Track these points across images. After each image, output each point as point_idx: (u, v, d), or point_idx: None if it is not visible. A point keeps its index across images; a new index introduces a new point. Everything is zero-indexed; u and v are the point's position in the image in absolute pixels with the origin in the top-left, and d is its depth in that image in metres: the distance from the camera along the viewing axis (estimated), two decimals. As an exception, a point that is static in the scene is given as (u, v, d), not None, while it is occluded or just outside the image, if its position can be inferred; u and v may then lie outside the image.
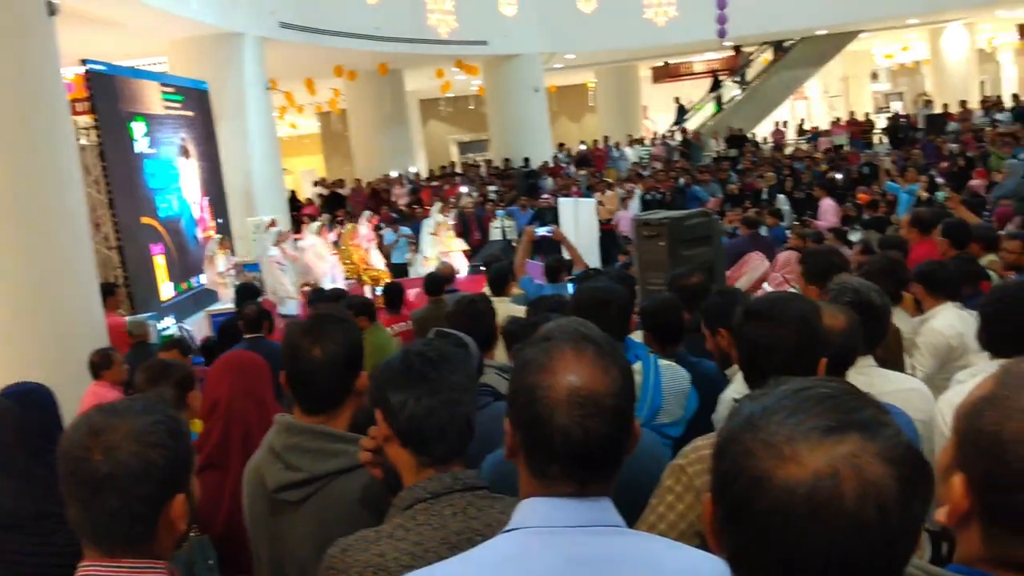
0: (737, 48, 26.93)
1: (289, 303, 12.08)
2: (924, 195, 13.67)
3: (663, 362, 3.06)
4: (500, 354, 5.78)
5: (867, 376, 2.84)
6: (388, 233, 16.18)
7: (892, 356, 3.45)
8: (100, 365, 6.37)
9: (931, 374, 4.19)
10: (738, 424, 1.01)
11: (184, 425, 1.63)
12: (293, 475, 2.09)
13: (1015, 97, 22.90)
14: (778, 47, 26.32)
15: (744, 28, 21.42)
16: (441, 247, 14.37)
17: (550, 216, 16.50)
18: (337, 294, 8.61)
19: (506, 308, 6.06)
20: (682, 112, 27.85)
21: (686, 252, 5.92)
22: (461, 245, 14.95)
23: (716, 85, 27.74)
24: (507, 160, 22.63)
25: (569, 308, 3.12)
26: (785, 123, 26.46)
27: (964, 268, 5.46)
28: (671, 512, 2.08)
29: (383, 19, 18.39)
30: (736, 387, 3.29)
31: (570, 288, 7.31)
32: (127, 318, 8.19)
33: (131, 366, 7.08)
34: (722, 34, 17.65)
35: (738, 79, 27.49)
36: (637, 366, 2.97)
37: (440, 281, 7.58)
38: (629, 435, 1.44)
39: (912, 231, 7.21)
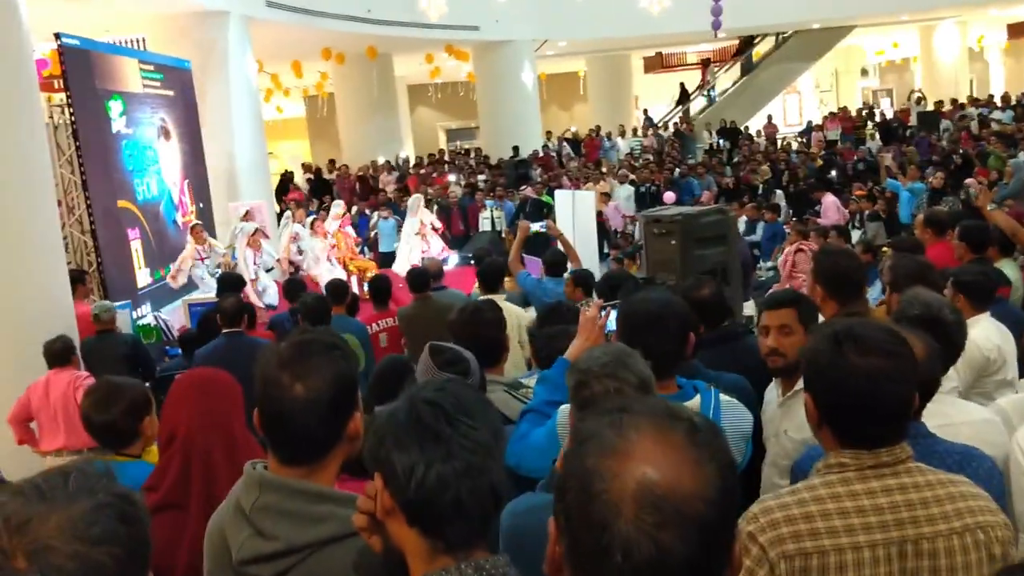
0: (750, 39, 26.66)
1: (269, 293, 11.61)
2: (937, 185, 13.36)
3: (724, 397, 2.61)
4: (517, 362, 5.49)
5: (941, 405, 2.48)
6: (384, 223, 15.68)
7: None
8: (64, 352, 6.02)
9: (966, 389, 3.87)
10: None
11: (138, 502, 1.19)
12: (267, 545, 1.66)
13: (1005, 97, 22.74)
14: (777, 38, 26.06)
15: (738, 21, 21.04)
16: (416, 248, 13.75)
17: (534, 207, 16.11)
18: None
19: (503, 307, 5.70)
20: (685, 96, 27.39)
21: (699, 252, 5.52)
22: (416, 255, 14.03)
23: (745, 47, 27.37)
24: (499, 160, 22.13)
25: (618, 327, 2.62)
26: (770, 117, 26.13)
27: (996, 276, 5.16)
28: None
29: (373, 1, 17.90)
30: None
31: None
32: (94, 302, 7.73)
33: (96, 353, 6.72)
34: (716, 26, 17.24)
35: (734, 66, 27.20)
36: (695, 401, 2.53)
37: (426, 277, 7.17)
38: (723, 562, 1.01)
39: (927, 232, 6.91)
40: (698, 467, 0.99)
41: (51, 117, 10.49)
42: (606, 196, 16.84)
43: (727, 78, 27.74)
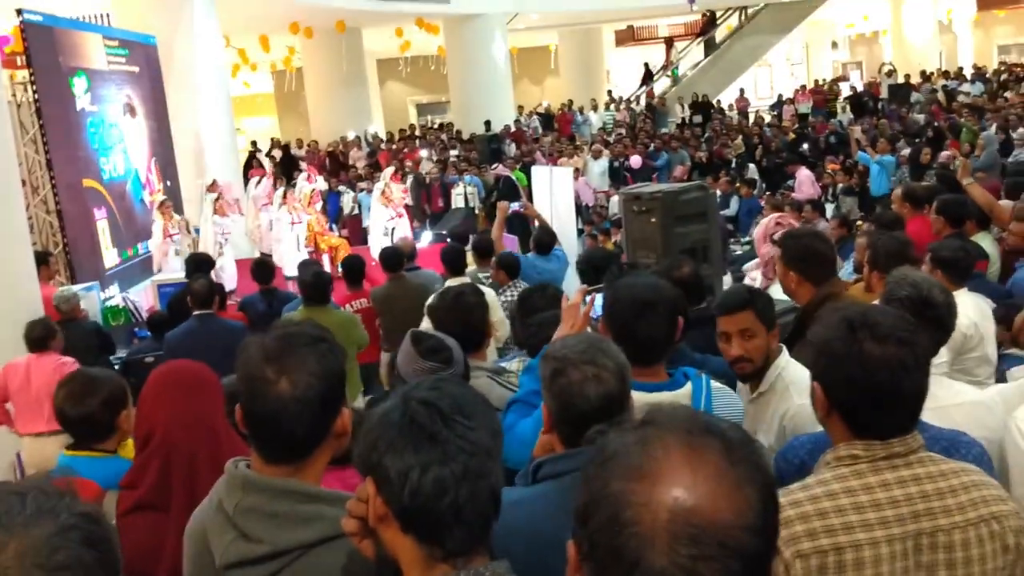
0: (713, 17, 26.57)
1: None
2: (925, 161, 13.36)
3: (716, 384, 2.54)
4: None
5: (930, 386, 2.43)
6: (365, 196, 15.46)
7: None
8: (45, 338, 5.88)
9: (947, 368, 3.85)
10: None
11: (103, 520, 1.10)
12: (251, 548, 1.59)
13: (976, 69, 22.84)
14: (744, 13, 26.00)
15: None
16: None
17: (507, 185, 15.97)
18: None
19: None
20: (649, 76, 27.32)
21: (680, 229, 5.45)
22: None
23: (709, 26, 27.30)
24: (471, 135, 21.92)
25: (604, 314, 2.53)
26: (742, 90, 26.06)
27: (975, 251, 5.16)
28: None
29: (342, -27, 17.63)
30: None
31: (560, 257, 6.99)
32: (56, 291, 7.53)
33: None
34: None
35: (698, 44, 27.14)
36: (686, 390, 2.45)
37: (399, 257, 7.09)
38: None
39: (904, 206, 6.90)
40: (736, 490, 0.90)
41: (14, 95, 10.22)
42: (576, 171, 16.76)
43: (697, 52, 27.67)
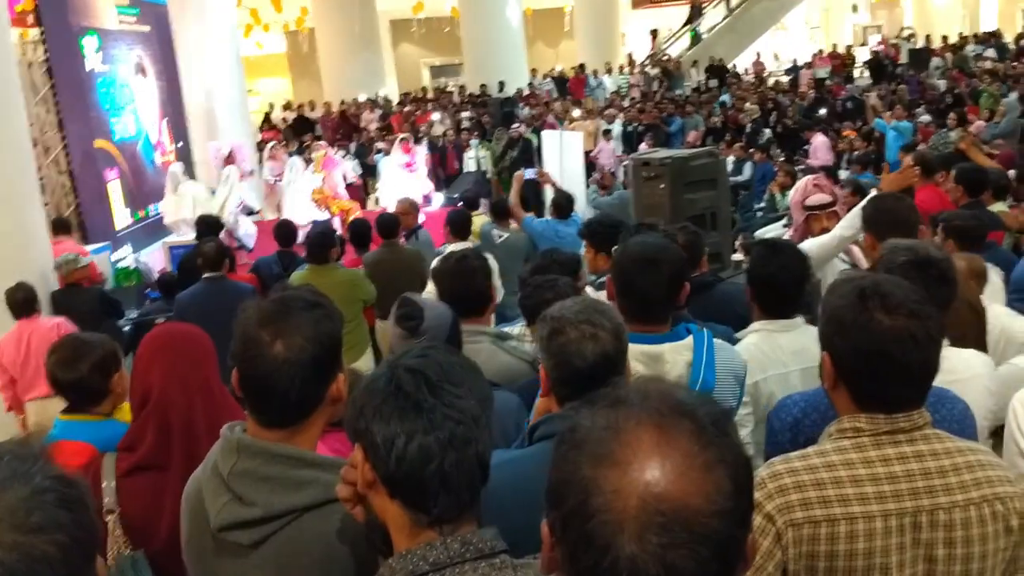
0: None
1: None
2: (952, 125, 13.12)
3: (716, 339, 2.56)
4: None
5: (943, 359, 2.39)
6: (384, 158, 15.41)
7: (968, 329, 2.94)
8: (29, 300, 5.89)
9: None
10: None
11: (80, 483, 1.11)
12: (245, 511, 1.60)
13: (995, 33, 22.44)
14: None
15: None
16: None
17: (522, 146, 15.90)
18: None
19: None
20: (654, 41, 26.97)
21: (689, 196, 5.41)
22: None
23: (695, 14, 26.89)
24: (483, 87, 21.81)
25: (615, 268, 2.56)
26: (758, 54, 25.70)
27: (989, 220, 5.10)
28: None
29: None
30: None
31: (577, 222, 6.99)
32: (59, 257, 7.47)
33: (62, 307, 6.59)
34: None
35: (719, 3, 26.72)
36: (688, 341, 2.48)
37: (394, 223, 7.08)
38: (738, 563, 0.93)
39: (915, 172, 6.80)
40: (706, 473, 0.89)
41: (24, 54, 10.20)
42: (606, 133, 16.63)
43: (714, 15, 27.28)
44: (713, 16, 27.25)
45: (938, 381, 2.13)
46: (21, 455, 1.07)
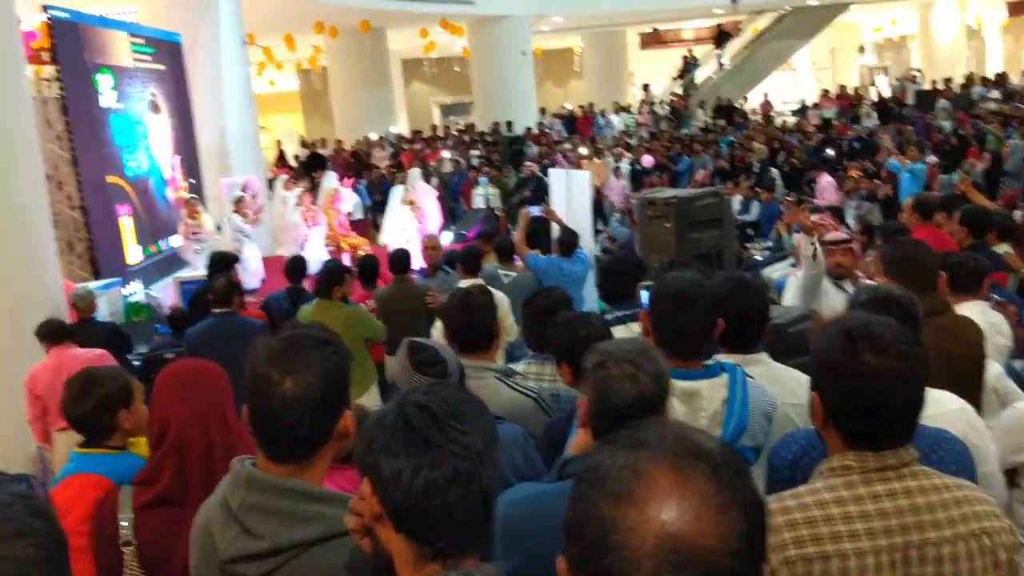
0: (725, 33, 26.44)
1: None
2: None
3: (748, 377, 2.60)
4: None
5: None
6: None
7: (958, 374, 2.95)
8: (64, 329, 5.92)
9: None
10: None
11: (40, 495, 1.18)
12: (253, 544, 1.63)
13: (999, 76, 22.60)
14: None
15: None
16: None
17: (533, 185, 16.02)
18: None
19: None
20: (690, 67, 27.01)
21: (695, 235, 5.47)
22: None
23: (722, 40, 27.07)
24: (496, 124, 22.03)
25: (651, 303, 2.60)
26: (766, 95, 25.84)
27: (989, 261, 5.11)
28: None
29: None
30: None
31: (582, 260, 7.04)
32: (74, 287, 7.56)
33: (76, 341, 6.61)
34: None
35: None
36: (723, 378, 2.51)
37: (406, 260, 7.15)
38: None
39: (913, 216, 6.82)
40: (721, 514, 0.92)
41: (39, 91, 10.35)
42: (616, 171, 16.75)
43: (721, 54, 27.53)
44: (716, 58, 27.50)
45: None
46: None
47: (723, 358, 2.82)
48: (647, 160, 16.87)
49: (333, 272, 6.44)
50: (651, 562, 0.90)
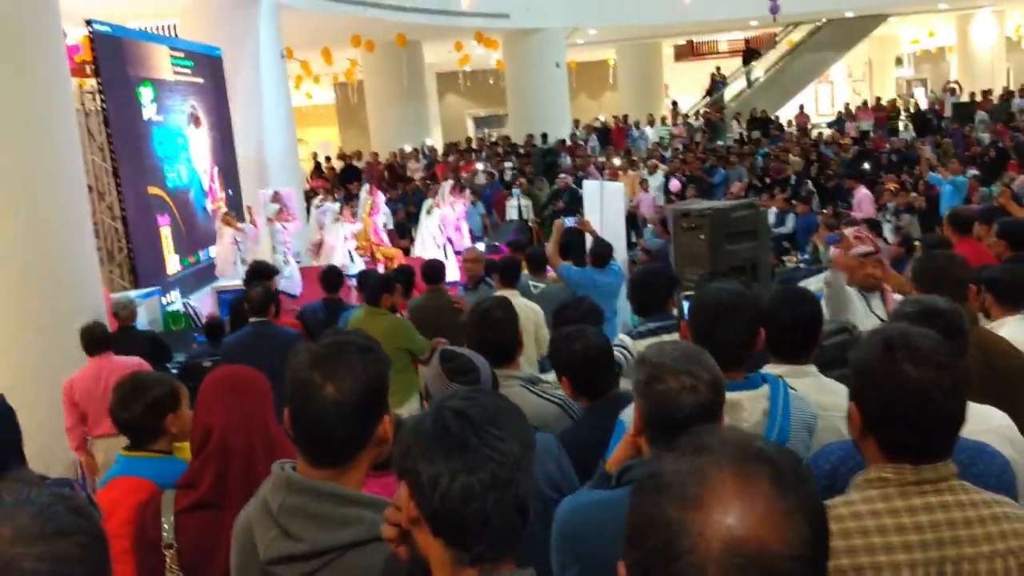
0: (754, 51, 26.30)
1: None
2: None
3: (790, 389, 2.58)
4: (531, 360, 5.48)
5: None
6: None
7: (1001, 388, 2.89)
8: (103, 338, 6.01)
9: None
10: None
11: (78, 495, 1.21)
12: (293, 546, 1.66)
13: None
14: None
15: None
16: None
17: (567, 196, 16.05)
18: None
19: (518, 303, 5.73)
20: (718, 86, 26.92)
21: (729, 246, 5.44)
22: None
23: (750, 57, 26.95)
24: (530, 136, 22.11)
25: (688, 316, 2.60)
26: (801, 107, 25.64)
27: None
28: None
29: (404, -13, 17.90)
30: None
31: (616, 271, 7.04)
32: (113, 296, 7.69)
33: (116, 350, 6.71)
34: (774, 11, 16.74)
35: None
36: (764, 390, 2.50)
37: (440, 271, 7.18)
38: None
39: (949, 230, 6.75)
40: (786, 519, 0.93)
41: (82, 103, 10.56)
42: (643, 183, 16.75)
43: (756, 67, 27.39)
44: (754, 70, 27.36)
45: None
46: (17, 485, 1.18)
47: (772, 368, 2.82)
48: (674, 185, 16.81)
49: (383, 281, 6.48)
50: (716, 566, 0.90)
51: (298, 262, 12.41)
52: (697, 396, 1.94)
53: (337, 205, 13.56)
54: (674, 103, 26.61)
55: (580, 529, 2.02)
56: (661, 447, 1.93)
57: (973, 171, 14.75)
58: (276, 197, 12.70)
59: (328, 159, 23.34)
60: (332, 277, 7.91)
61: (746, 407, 2.46)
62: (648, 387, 1.98)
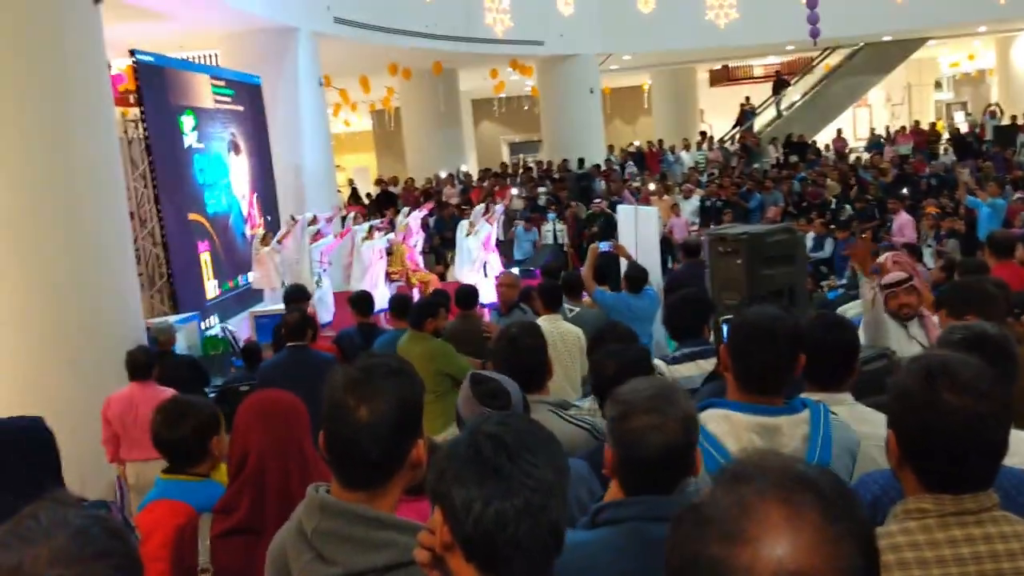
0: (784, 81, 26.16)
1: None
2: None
3: (832, 416, 2.54)
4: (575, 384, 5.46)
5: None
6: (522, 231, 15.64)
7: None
8: (148, 364, 6.08)
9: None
10: None
11: (114, 518, 1.22)
12: (327, 570, 1.67)
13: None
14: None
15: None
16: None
17: (602, 221, 16.04)
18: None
19: (556, 327, 5.70)
20: (747, 115, 26.84)
21: (766, 271, 5.40)
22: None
23: (779, 86, 26.86)
24: (565, 161, 22.19)
25: (731, 338, 2.56)
26: (839, 131, 25.42)
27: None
28: None
29: (438, 17, 18.07)
30: None
31: (651, 296, 7.01)
32: (152, 321, 7.79)
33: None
34: (814, 34, 16.71)
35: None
36: (804, 414, 2.45)
37: (473, 295, 7.20)
38: None
39: (989, 253, 6.65)
40: (837, 547, 0.89)
41: (125, 131, 10.75)
42: (675, 207, 16.71)
43: (793, 92, 27.27)
44: (791, 93, 27.23)
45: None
46: (54, 505, 1.17)
47: (807, 396, 2.79)
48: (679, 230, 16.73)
49: (426, 305, 6.51)
50: None
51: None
52: (664, 435, 1.89)
53: (367, 225, 13.61)
54: (702, 133, 26.51)
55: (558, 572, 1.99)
56: (631, 488, 1.92)
57: (1018, 194, 14.53)
58: (314, 220, 12.83)
59: (368, 195, 23.56)
60: (363, 302, 7.96)
61: (785, 432, 2.42)
62: (616, 426, 1.96)
